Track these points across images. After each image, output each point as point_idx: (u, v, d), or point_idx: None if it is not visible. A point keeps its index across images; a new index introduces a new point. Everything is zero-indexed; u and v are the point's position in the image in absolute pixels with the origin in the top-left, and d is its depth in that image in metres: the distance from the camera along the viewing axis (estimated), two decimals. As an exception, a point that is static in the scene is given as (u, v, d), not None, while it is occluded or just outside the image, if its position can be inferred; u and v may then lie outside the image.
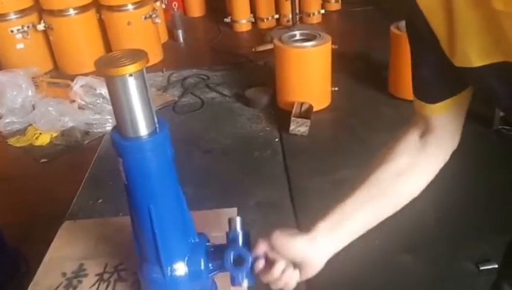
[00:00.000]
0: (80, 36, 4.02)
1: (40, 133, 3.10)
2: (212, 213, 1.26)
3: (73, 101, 3.19)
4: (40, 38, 4.03)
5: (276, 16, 4.70)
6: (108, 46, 4.12)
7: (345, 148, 2.72)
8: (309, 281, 1.83)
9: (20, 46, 3.90)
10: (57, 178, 2.72)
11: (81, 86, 3.17)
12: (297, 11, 4.31)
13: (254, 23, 4.75)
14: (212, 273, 0.92)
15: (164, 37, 4.57)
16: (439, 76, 0.75)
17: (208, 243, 0.94)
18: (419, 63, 0.77)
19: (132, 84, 0.74)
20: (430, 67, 0.76)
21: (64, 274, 1.13)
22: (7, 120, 3.22)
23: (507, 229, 1.87)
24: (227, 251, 0.88)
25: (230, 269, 0.87)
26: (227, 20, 4.73)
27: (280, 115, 3.07)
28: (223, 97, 3.46)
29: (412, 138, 0.84)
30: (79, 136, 3.07)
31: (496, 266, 1.81)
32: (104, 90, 3.11)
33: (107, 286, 1.09)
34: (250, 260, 0.87)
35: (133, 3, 3.96)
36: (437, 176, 0.87)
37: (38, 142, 3.06)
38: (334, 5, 4.93)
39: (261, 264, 0.86)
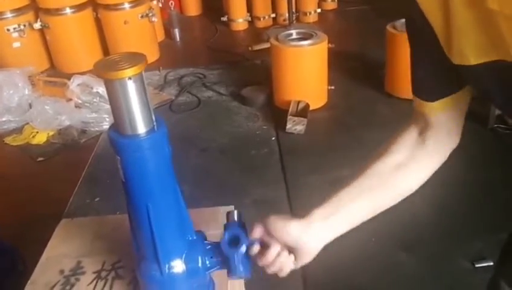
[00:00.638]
0: (76, 35, 4.02)
1: (37, 132, 3.10)
2: (209, 211, 1.26)
3: (70, 99, 3.19)
4: (37, 37, 4.02)
5: (273, 15, 4.71)
6: (104, 45, 4.12)
7: (341, 146, 2.73)
8: (305, 279, 1.85)
9: (16, 44, 3.90)
10: (54, 177, 2.72)
11: (78, 85, 3.17)
12: (293, 10, 4.32)
13: (251, 22, 4.76)
14: (209, 271, 0.93)
15: (161, 36, 4.57)
16: (438, 74, 0.76)
17: (205, 241, 0.95)
18: (418, 61, 0.78)
19: (131, 87, 0.75)
20: (429, 65, 0.76)
21: (61, 272, 1.12)
22: (3, 119, 3.22)
23: (502, 227, 1.88)
24: (224, 232, 0.89)
25: (226, 250, 0.88)
26: (224, 19, 4.73)
27: (277, 114, 3.09)
28: (220, 96, 3.46)
29: (412, 134, 0.85)
30: (76, 134, 3.07)
31: (492, 263, 1.83)
32: (100, 89, 3.11)
33: (105, 284, 1.09)
34: (246, 243, 0.87)
35: (130, 2, 3.96)
36: (432, 174, 0.88)
37: (35, 141, 3.06)
38: (331, 4, 4.95)
39: (256, 248, 0.86)
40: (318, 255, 0.86)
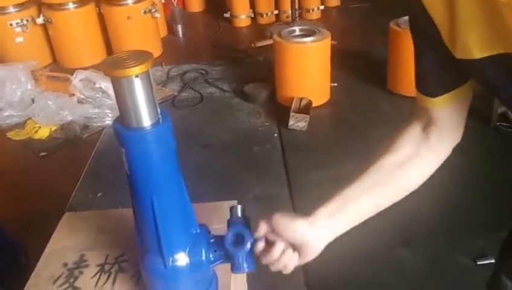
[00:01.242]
0: (79, 30, 4.02)
1: (39, 127, 3.10)
2: (212, 205, 1.26)
3: (73, 95, 3.19)
4: (39, 32, 4.02)
5: (276, 12, 4.70)
6: (107, 41, 4.12)
7: (343, 143, 2.73)
8: (306, 275, 1.86)
9: (19, 39, 3.90)
10: (56, 172, 2.72)
11: (81, 80, 3.17)
12: (296, 7, 4.31)
13: (253, 19, 4.75)
14: (213, 264, 0.93)
15: (163, 32, 4.56)
16: (440, 69, 0.76)
17: (209, 234, 0.95)
18: (421, 57, 0.78)
19: (138, 85, 0.76)
20: (431, 61, 0.76)
21: (65, 265, 1.13)
22: (6, 113, 3.22)
23: (504, 224, 1.88)
24: (228, 231, 0.89)
25: (230, 249, 0.88)
26: (227, 15, 4.73)
27: (279, 110, 3.08)
28: (222, 92, 3.46)
29: (415, 130, 0.85)
30: (78, 130, 3.07)
31: (493, 261, 1.82)
32: (103, 85, 3.11)
33: (108, 277, 1.09)
34: (250, 241, 0.87)
35: (133, -2, 3.95)
36: (434, 172, 0.88)
37: (37, 136, 3.06)
38: (334, 1, 4.94)
39: (260, 245, 0.87)
40: (320, 252, 0.86)
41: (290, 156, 2.66)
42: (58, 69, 3.89)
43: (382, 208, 0.86)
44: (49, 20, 3.90)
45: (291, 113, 2.86)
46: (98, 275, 1.10)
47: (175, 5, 4.70)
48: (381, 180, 0.84)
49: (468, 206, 2.15)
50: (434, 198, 2.03)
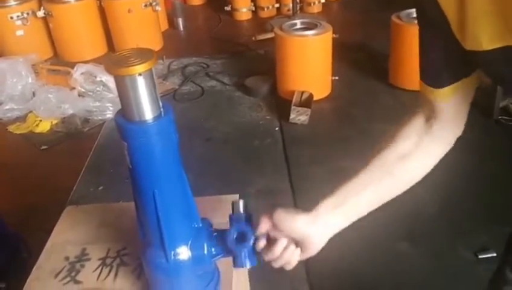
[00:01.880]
0: (79, 23, 4.01)
1: (40, 121, 3.10)
2: (214, 199, 1.26)
3: (73, 88, 3.19)
4: (40, 25, 4.01)
5: (277, 5, 4.69)
6: (108, 34, 4.11)
7: (344, 137, 2.73)
8: (308, 267, 1.86)
9: (19, 32, 3.89)
10: (57, 165, 2.72)
11: (81, 74, 3.16)
12: (297, 0, 4.29)
13: (254, 12, 4.74)
14: (215, 258, 0.93)
15: (164, 25, 4.55)
16: (447, 60, 0.76)
17: (211, 228, 0.95)
18: (428, 47, 0.77)
19: (141, 83, 0.76)
20: (439, 51, 0.76)
21: (67, 258, 1.13)
22: (7, 107, 3.21)
23: (506, 218, 1.88)
24: (230, 228, 0.89)
25: (233, 247, 0.88)
26: (228, 8, 4.71)
27: (280, 104, 3.08)
28: (223, 86, 3.46)
29: (418, 122, 0.85)
30: (79, 123, 3.07)
31: (495, 255, 1.83)
32: (104, 78, 3.10)
33: (110, 271, 1.09)
34: (253, 238, 0.87)
35: (134, -9, 3.94)
36: (436, 165, 0.88)
37: (38, 130, 3.06)
38: (335, -5, 4.92)
39: (262, 243, 0.86)
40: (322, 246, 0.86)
41: (291, 150, 2.66)
42: (58, 62, 3.88)
43: (386, 200, 0.85)
44: (50, 13, 3.89)
45: (293, 107, 2.86)
46: (100, 268, 1.10)
47: (176, -2, 4.68)
48: (383, 172, 0.84)
49: (470, 199, 2.15)
50: (435, 191, 2.03)
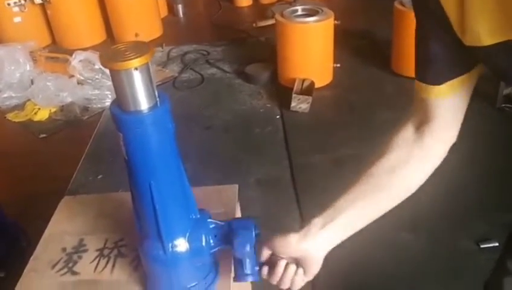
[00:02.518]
0: (77, 10, 3.96)
1: (39, 109, 3.08)
2: (213, 189, 1.24)
3: (72, 76, 3.16)
4: (38, 12, 3.97)
5: (278, -9, 4.63)
6: (107, 21, 4.06)
7: (346, 125, 2.70)
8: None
9: (17, 19, 3.85)
10: (56, 154, 2.71)
11: (80, 61, 3.13)
12: (299, -14, 4.24)
13: (255, -2, 4.69)
14: (213, 250, 0.91)
15: (164, 12, 4.50)
16: (445, 55, 0.74)
17: (209, 219, 0.93)
18: (425, 42, 0.75)
19: (137, 77, 0.75)
20: (437, 46, 0.74)
21: (64, 249, 1.11)
22: (5, 95, 3.19)
23: (509, 208, 1.87)
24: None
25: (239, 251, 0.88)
26: (228, -6, 4.66)
27: (281, 92, 3.05)
28: (224, 73, 3.43)
29: (407, 131, 0.84)
30: (78, 111, 3.05)
31: (497, 244, 1.81)
32: (103, 65, 3.07)
33: (107, 262, 1.07)
34: (257, 265, 0.89)
35: (133, -23, 3.89)
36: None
37: (37, 118, 3.04)
38: (337, -20, 4.86)
39: (265, 270, 0.89)
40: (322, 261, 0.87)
41: (292, 138, 2.64)
42: (57, 49, 3.85)
43: (379, 214, 0.86)
44: (47, -1, 3.85)
45: (294, 95, 2.83)
46: (97, 260, 1.09)
47: (175, -16, 4.63)
48: (372, 186, 0.84)
49: (472, 189, 2.13)
50: (438, 181, 2.01)
